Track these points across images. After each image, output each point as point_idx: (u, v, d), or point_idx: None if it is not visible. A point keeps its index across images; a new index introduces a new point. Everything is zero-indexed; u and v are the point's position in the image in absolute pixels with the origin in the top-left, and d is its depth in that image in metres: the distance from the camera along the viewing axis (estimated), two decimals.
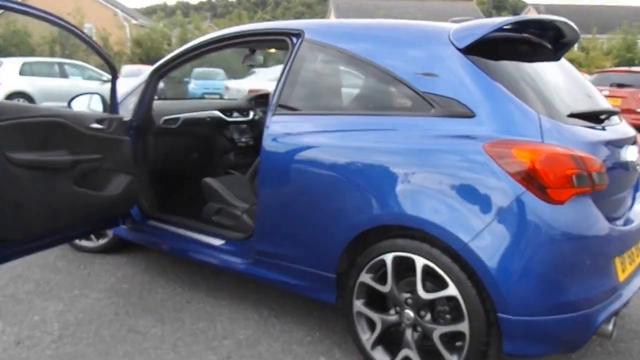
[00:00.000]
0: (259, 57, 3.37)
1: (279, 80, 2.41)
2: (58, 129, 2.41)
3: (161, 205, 3.20)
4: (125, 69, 18.43)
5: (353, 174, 2.03)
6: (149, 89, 3.01)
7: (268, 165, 2.33)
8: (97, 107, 3.09)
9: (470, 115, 1.86)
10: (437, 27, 2.13)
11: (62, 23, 2.47)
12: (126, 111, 3.02)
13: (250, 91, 9.99)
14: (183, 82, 14.05)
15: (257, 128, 3.75)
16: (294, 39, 2.42)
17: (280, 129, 2.32)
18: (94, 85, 12.69)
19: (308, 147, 2.20)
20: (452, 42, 1.99)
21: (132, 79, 15.44)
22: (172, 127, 3.22)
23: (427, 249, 1.87)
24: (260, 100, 3.82)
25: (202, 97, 9.14)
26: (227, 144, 3.58)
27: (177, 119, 3.25)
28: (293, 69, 2.37)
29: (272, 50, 3.76)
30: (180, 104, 3.49)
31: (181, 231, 2.93)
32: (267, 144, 2.33)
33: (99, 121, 2.73)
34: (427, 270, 1.88)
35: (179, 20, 29.34)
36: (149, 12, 62.73)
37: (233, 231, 2.73)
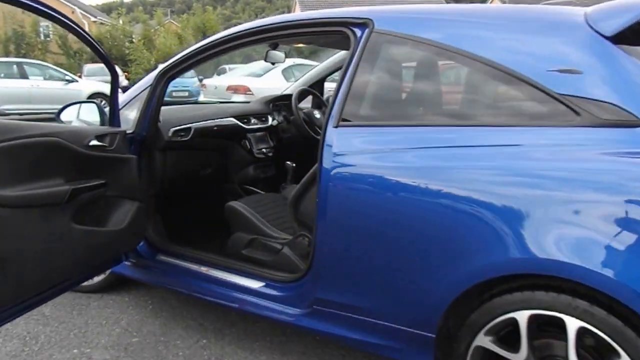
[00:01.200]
0: (281, 53, 2.82)
1: (340, 84, 1.88)
2: (52, 152, 1.84)
3: (172, 235, 2.64)
4: (87, 68, 17.43)
5: (468, 204, 1.53)
6: (155, 95, 2.44)
7: (334, 192, 1.80)
8: (90, 118, 2.50)
9: (637, 124, 1.38)
10: (565, 10, 1.64)
11: (64, 20, 1.93)
12: (125, 122, 2.44)
13: (229, 88, 9.39)
14: None
15: (276, 135, 3.20)
16: (358, 31, 1.90)
17: (349, 146, 1.80)
18: (57, 85, 11.79)
19: (395, 169, 1.69)
20: (594, 28, 1.51)
21: (95, 78, 14.44)
22: (184, 140, 2.65)
23: (584, 307, 1.39)
24: (278, 103, 3.27)
25: (189, 101, 8.43)
26: (246, 155, 3.02)
27: (189, 129, 2.68)
28: (361, 69, 1.84)
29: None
30: (187, 110, 2.91)
31: (202, 269, 2.37)
32: (332, 164, 1.80)
33: (100, 137, 2.15)
34: (583, 332, 1.40)
35: (141, 17, 28.10)
36: (105, 9, 60.54)
37: (273, 270, 2.20)
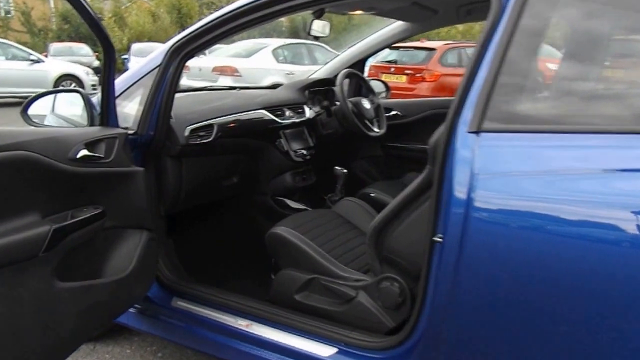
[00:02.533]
0: (326, 24, 2.12)
1: (476, 64, 1.22)
2: (19, 174, 1.15)
3: (191, 270, 1.95)
4: (54, 47, 16.19)
5: None
6: (166, 80, 1.73)
7: (477, 231, 1.16)
8: (71, 113, 1.78)
9: None
10: None
11: None
12: (120, 119, 1.72)
13: (215, 69, 8.58)
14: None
15: (314, 132, 2.50)
16: None
17: (504, 164, 1.16)
18: (21, 66, 10.69)
19: (596, 205, 1.04)
20: None
21: (62, 58, 13.36)
22: (205, 142, 1.94)
23: None
24: (316, 88, 2.57)
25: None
26: (281, 159, 2.32)
27: (210, 127, 1.97)
28: (520, 40, 1.18)
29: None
30: (203, 100, 2.17)
31: (241, 323, 1.70)
32: (469, 190, 1.16)
33: (91, 145, 1.45)
34: None
35: None
36: None
37: (345, 325, 1.55)
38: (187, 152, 1.90)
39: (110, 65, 1.56)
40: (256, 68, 8.72)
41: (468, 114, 1.21)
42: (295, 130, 2.37)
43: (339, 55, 2.80)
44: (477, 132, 1.18)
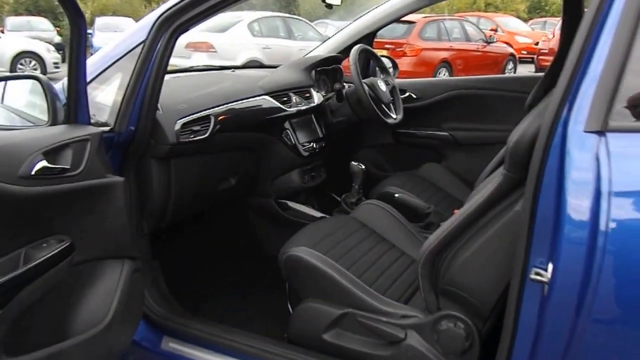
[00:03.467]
0: None
1: (589, 41, 0.88)
2: None
3: (184, 298, 1.59)
4: (10, 21, 15.14)
5: None
6: (153, 61, 1.34)
7: (617, 263, 0.85)
8: (26, 103, 1.39)
9: None
10: None
11: None
12: (94, 111, 1.33)
13: (189, 45, 8.04)
14: None
15: (323, 120, 2.12)
16: None
17: None
18: None
19: None
20: None
21: (21, 34, 12.49)
22: (201, 139, 1.55)
23: None
24: (324, 67, 2.18)
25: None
26: (288, 154, 1.93)
27: (207, 119, 1.58)
28: None
29: None
30: (195, 85, 1.75)
31: None
32: (597, 210, 0.84)
33: (52, 153, 1.06)
34: None
35: None
36: None
37: None
38: (177, 151, 1.51)
39: (79, 40, 1.16)
40: (232, 43, 8.23)
41: (583, 107, 0.88)
42: (302, 119, 1.99)
43: (340, 31, 2.41)
44: (600, 133, 0.85)
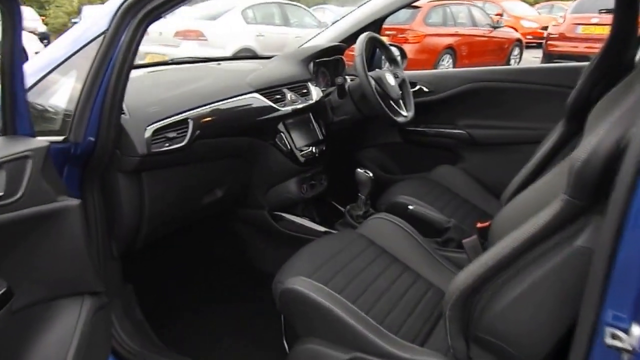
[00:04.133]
0: None
1: None
2: None
3: (162, 330, 1.36)
4: None
5: None
6: (115, 56, 1.08)
7: None
8: None
9: None
10: None
11: None
12: (42, 117, 1.09)
13: (178, 33, 7.72)
14: None
15: (323, 119, 1.87)
16: None
17: None
18: None
19: None
20: None
21: None
22: (177, 148, 1.30)
23: None
24: (324, 59, 1.92)
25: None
26: (284, 161, 1.67)
27: (184, 123, 1.32)
28: None
29: None
30: (168, 82, 1.49)
31: None
32: None
33: None
34: None
35: None
36: None
37: None
38: (149, 163, 1.25)
39: (14, 32, 0.91)
40: (224, 33, 7.90)
41: None
42: (298, 119, 1.73)
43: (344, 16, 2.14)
44: None
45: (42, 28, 12.38)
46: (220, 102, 1.43)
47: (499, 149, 2.02)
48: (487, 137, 2.05)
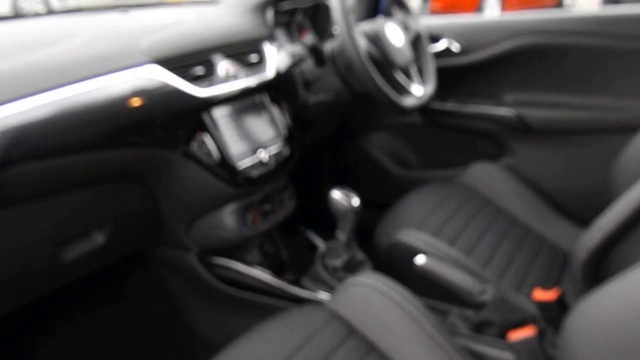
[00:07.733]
0: None
1: None
2: None
3: None
4: None
5: None
6: None
7: None
8: None
9: None
10: None
11: None
12: None
13: None
14: None
15: (291, 103, 1.20)
16: None
17: None
18: None
19: None
20: None
21: None
22: None
23: None
24: (294, 7, 1.25)
25: None
26: (205, 177, 0.98)
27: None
28: None
29: None
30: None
31: None
32: None
33: None
34: None
35: None
36: None
37: None
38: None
39: None
40: None
41: None
42: (240, 106, 1.05)
43: None
44: None
45: None
46: (72, 88, 0.78)
47: (565, 140, 1.34)
48: (547, 120, 1.35)
